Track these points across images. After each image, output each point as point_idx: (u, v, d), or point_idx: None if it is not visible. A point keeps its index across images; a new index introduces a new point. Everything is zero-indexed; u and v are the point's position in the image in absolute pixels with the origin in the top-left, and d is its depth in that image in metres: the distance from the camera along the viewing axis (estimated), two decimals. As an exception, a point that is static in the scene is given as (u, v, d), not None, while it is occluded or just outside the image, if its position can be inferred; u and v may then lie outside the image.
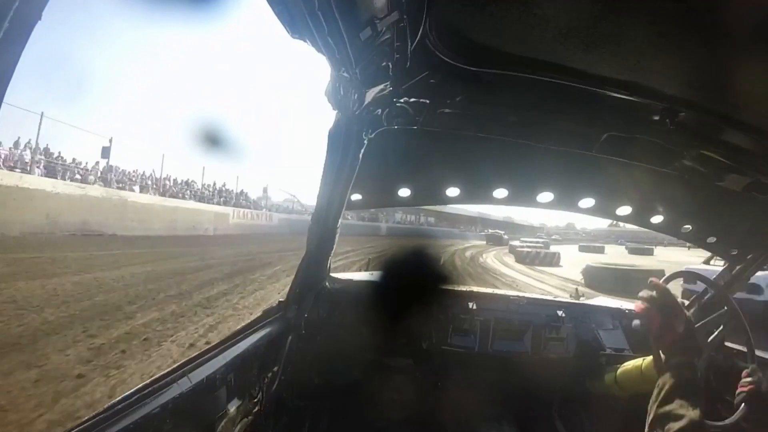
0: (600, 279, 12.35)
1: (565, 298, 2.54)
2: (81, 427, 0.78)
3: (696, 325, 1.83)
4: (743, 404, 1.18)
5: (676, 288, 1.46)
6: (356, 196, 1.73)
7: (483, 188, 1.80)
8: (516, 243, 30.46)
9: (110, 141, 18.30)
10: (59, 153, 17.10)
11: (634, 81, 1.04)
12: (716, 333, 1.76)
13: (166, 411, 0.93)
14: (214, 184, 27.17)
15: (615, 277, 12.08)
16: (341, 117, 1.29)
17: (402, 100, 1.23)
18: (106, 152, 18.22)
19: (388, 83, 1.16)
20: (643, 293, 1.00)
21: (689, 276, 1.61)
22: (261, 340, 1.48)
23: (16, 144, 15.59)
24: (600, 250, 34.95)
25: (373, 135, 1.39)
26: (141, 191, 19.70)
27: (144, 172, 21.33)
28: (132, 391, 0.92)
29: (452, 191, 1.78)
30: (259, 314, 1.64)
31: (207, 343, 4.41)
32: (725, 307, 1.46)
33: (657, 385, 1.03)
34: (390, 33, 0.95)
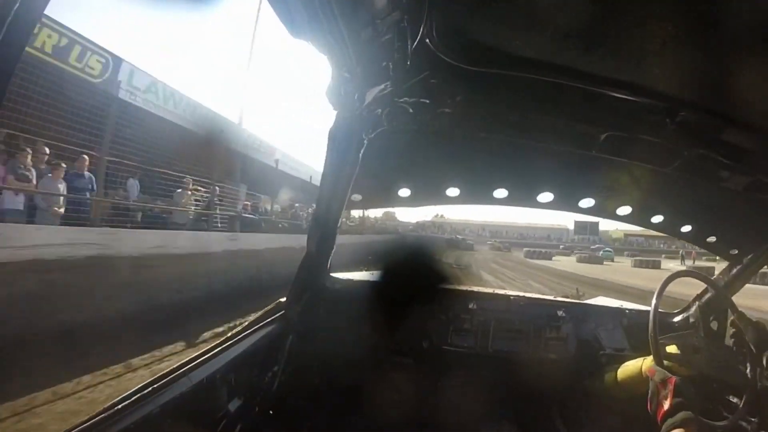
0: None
1: (565, 297, 2.54)
2: (81, 427, 0.78)
3: (692, 322, 1.84)
4: (743, 403, 1.18)
5: (678, 287, 1.46)
6: (356, 196, 1.73)
7: (483, 188, 1.80)
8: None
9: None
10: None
11: (634, 81, 1.04)
12: (716, 332, 1.76)
13: (166, 411, 0.93)
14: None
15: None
16: (341, 117, 1.29)
17: (402, 100, 1.23)
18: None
19: (388, 83, 1.16)
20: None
21: (689, 276, 1.61)
22: (261, 340, 1.48)
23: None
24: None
25: (373, 135, 1.39)
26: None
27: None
28: (132, 391, 0.92)
29: (452, 191, 1.78)
30: (259, 314, 1.64)
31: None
32: (725, 307, 1.46)
33: (652, 385, 1.06)
34: (390, 33, 0.95)
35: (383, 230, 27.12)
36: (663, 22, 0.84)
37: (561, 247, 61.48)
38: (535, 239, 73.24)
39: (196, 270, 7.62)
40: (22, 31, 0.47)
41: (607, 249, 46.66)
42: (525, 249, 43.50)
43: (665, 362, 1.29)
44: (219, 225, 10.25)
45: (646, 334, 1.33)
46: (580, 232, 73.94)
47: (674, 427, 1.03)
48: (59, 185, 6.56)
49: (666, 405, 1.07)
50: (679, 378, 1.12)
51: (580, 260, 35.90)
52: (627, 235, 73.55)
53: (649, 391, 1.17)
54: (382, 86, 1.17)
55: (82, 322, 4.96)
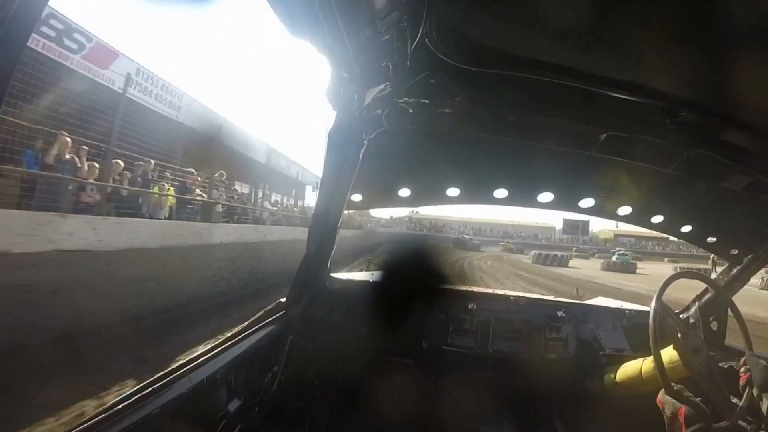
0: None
1: (565, 298, 2.54)
2: (81, 427, 0.78)
3: (692, 323, 1.83)
4: (743, 404, 1.18)
5: (678, 288, 1.46)
6: (356, 197, 1.74)
7: (483, 188, 1.80)
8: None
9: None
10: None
11: (634, 81, 1.04)
12: (716, 333, 1.76)
13: (166, 411, 0.93)
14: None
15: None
16: (341, 117, 1.29)
17: (402, 100, 1.23)
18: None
19: (388, 83, 1.16)
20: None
21: (690, 276, 1.61)
22: (261, 340, 1.48)
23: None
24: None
25: (373, 135, 1.39)
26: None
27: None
28: (132, 391, 0.92)
29: (452, 191, 1.78)
30: (259, 314, 1.65)
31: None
32: (725, 307, 1.46)
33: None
34: (390, 33, 0.95)
35: (345, 225, 19.68)
36: (663, 22, 0.84)
37: (574, 249, 51.77)
38: (522, 238, 67.02)
39: None
40: (22, 31, 0.47)
41: (622, 252, 38.21)
42: (533, 252, 34.31)
43: (666, 366, 1.29)
44: None
45: (646, 335, 1.33)
46: (569, 231, 68.76)
47: None
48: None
49: None
50: (687, 407, 1.14)
51: (605, 268, 28.88)
52: (617, 235, 69.18)
53: (665, 423, 1.19)
54: (382, 86, 1.18)
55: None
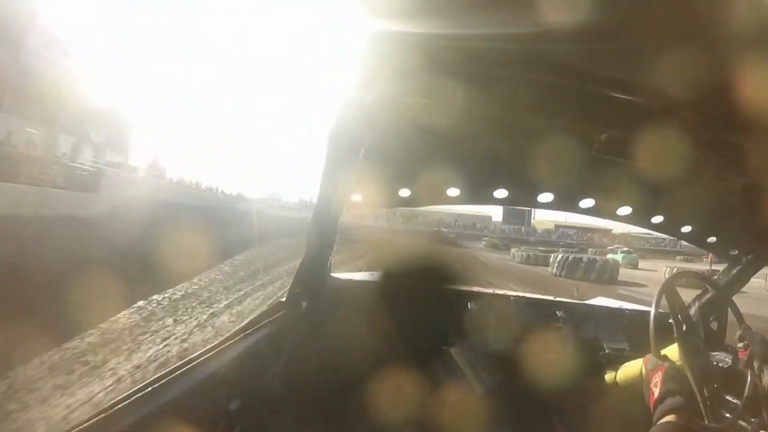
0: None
1: (565, 298, 2.54)
2: (81, 427, 0.78)
3: (693, 322, 1.84)
4: (743, 403, 1.18)
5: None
6: (356, 197, 1.74)
7: (483, 188, 1.80)
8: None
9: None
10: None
11: (634, 81, 1.05)
12: (716, 333, 1.76)
13: (166, 410, 0.93)
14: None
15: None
16: (341, 117, 1.29)
17: (402, 100, 1.23)
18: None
19: (387, 83, 1.16)
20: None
21: (690, 276, 1.61)
22: (261, 340, 1.48)
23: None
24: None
25: (373, 135, 1.39)
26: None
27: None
28: (132, 390, 0.92)
29: (452, 191, 1.78)
30: (259, 314, 1.65)
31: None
32: (725, 307, 1.46)
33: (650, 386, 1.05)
34: (390, 31, 0.96)
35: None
36: (663, 22, 0.84)
37: (561, 247, 41.13)
38: (462, 227, 60.04)
39: None
40: (22, 31, 0.47)
41: (626, 250, 31.92)
42: (552, 256, 22.45)
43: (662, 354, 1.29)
44: None
45: (646, 335, 1.33)
46: (510, 221, 62.17)
47: (664, 414, 0.99)
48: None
49: (656, 393, 1.04)
50: (669, 364, 1.10)
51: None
52: (558, 226, 63.81)
53: (643, 382, 1.16)
54: (382, 86, 1.18)
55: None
